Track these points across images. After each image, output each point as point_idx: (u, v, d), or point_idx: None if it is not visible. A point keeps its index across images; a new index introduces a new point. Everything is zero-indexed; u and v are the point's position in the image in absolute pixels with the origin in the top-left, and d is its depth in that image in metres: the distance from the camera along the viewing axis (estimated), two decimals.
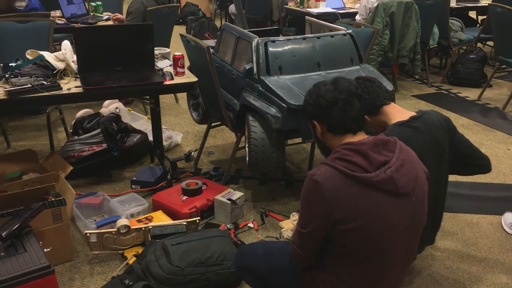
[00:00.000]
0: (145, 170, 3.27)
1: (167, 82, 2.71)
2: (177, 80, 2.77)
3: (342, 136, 1.63)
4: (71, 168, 2.82)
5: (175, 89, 2.83)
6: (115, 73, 2.76)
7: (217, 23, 7.77)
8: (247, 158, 2.82)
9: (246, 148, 2.91)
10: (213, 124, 3.41)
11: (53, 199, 2.42)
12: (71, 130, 3.56)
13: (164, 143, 3.53)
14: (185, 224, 2.54)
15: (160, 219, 2.67)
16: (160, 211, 2.76)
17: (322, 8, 5.24)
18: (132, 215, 2.76)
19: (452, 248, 2.58)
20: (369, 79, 2.06)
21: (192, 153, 3.57)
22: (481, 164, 2.24)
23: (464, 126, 4.20)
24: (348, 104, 1.61)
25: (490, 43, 6.09)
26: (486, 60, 5.49)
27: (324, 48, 2.86)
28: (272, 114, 2.59)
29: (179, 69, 2.82)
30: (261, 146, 2.68)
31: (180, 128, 4.11)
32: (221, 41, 3.17)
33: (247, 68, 2.78)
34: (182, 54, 2.82)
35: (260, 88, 2.71)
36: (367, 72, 2.88)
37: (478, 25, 6.47)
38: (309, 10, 5.23)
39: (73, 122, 3.55)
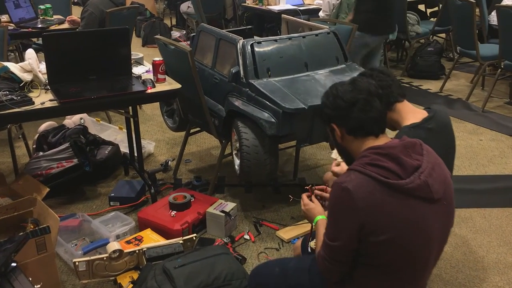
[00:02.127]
0: (123, 185, 3.04)
1: (150, 91, 2.51)
2: (159, 87, 2.58)
3: (363, 139, 1.53)
4: (47, 189, 2.56)
5: (158, 97, 2.63)
6: (91, 83, 2.53)
7: (167, 23, 7.50)
8: (239, 166, 2.67)
9: (234, 156, 2.77)
10: (191, 131, 3.23)
11: (33, 227, 2.18)
12: (34, 146, 3.26)
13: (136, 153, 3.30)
14: (181, 243, 2.36)
15: (152, 238, 2.47)
16: (149, 229, 2.56)
17: (283, 5, 5.16)
18: (118, 236, 2.54)
19: (453, 245, 2.57)
20: (384, 72, 1.95)
21: (169, 162, 3.37)
22: None
23: None
24: (368, 104, 1.52)
25: (443, 35, 6.25)
26: (443, 52, 5.62)
27: (310, 47, 2.76)
28: (265, 119, 2.46)
29: (159, 76, 2.63)
30: (254, 154, 2.55)
31: (149, 136, 3.89)
32: (198, 44, 2.99)
33: (234, 71, 2.63)
34: (162, 60, 2.63)
35: (249, 92, 2.57)
36: (353, 70, 2.81)
37: (428, 17, 6.64)
38: (270, 7, 5.13)
39: (36, 137, 3.25)
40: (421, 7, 6.82)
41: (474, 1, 4.27)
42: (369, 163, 1.41)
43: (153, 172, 3.17)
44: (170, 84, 2.63)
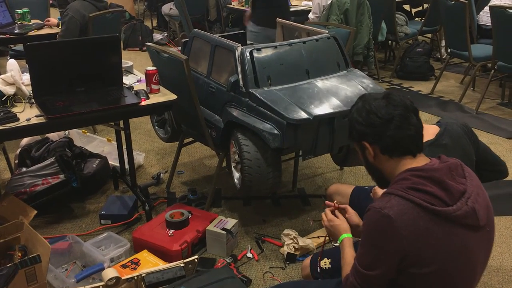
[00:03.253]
0: (114, 201, 2.87)
1: (144, 103, 2.35)
2: (154, 99, 2.41)
3: (399, 159, 1.40)
4: (35, 212, 2.36)
5: (153, 110, 2.46)
6: (79, 96, 2.35)
7: (147, 25, 7.28)
8: (239, 180, 2.53)
9: (233, 168, 2.62)
10: (184, 142, 3.07)
11: (20, 255, 2.01)
12: (16, 161, 3.05)
13: (126, 165, 3.13)
14: (182, 266, 2.21)
15: (149, 261, 2.31)
16: (145, 250, 2.40)
17: None
18: (112, 260, 2.37)
19: None
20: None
21: (162, 175, 3.20)
22: (500, 169, 2.12)
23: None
24: (405, 121, 1.38)
25: (428, 35, 6.20)
26: (431, 53, 5.57)
27: (310, 53, 2.63)
28: (268, 131, 2.32)
29: (153, 86, 2.46)
30: (256, 167, 2.40)
31: (137, 146, 3.71)
32: (191, 50, 2.83)
33: (232, 80, 2.48)
34: (156, 69, 2.46)
35: (249, 102, 2.43)
36: (355, 77, 2.70)
37: (413, 17, 6.59)
38: None
39: (18, 152, 3.05)
40: (406, 6, 6.77)
41: (467, 1, 4.20)
42: (411, 187, 1.28)
43: (145, 186, 3.00)
44: (165, 95, 2.46)
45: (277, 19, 3.22)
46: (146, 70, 2.45)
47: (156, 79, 2.46)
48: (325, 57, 2.69)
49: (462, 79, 5.24)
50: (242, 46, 2.51)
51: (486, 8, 4.93)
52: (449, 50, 4.72)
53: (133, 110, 2.34)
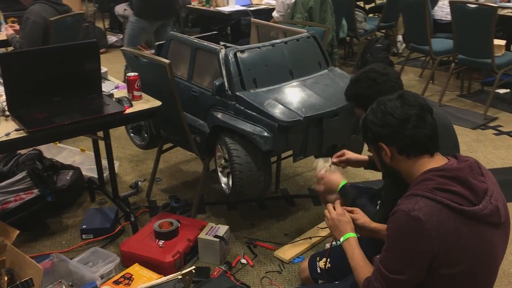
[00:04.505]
0: (94, 214, 2.74)
1: (128, 110, 2.25)
2: (138, 106, 2.31)
3: (417, 159, 1.40)
4: (17, 231, 2.21)
5: (138, 117, 2.35)
6: (57, 106, 2.22)
7: (99, 26, 7.04)
8: (227, 185, 2.48)
9: (220, 173, 2.56)
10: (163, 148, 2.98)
11: (7, 279, 1.87)
12: None
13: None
14: (180, 278, 2.13)
15: (143, 275, 2.22)
16: (136, 264, 2.30)
17: (232, 6, 4.96)
18: (102, 277, 2.26)
19: None
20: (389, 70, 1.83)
21: (140, 183, 3.09)
22: None
23: None
24: (422, 120, 1.39)
25: (383, 31, 6.33)
26: (390, 48, 5.69)
27: (293, 54, 2.61)
28: (259, 134, 2.28)
29: (135, 93, 2.36)
30: (247, 171, 2.36)
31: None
32: (168, 54, 2.74)
33: (217, 84, 2.41)
34: (137, 74, 2.36)
35: (237, 105, 2.38)
36: (337, 75, 2.70)
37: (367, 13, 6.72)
38: (219, 9, 4.92)
39: None
40: (360, 3, 6.90)
41: None
42: (437, 188, 1.28)
43: (125, 197, 2.89)
44: (148, 101, 2.37)
45: (252, 19, 3.18)
46: (127, 76, 2.35)
47: (138, 85, 2.36)
48: (306, 56, 2.68)
49: (420, 73, 5.39)
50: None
51: (440, 3, 5.10)
52: (410, 45, 4.84)
53: (118, 119, 2.23)
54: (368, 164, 2.05)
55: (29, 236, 2.65)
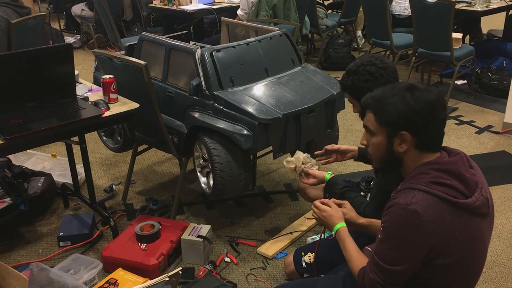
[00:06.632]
0: (70, 220, 2.67)
1: (106, 114, 2.21)
2: (115, 108, 2.28)
3: (424, 153, 1.40)
4: None
5: (116, 120, 2.30)
6: (31, 112, 2.15)
7: (55, 27, 6.83)
8: (207, 185, 2.48)
9: (198, 173, 2.56)
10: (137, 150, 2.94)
11: None
12: None
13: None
14: (167, 280, 2.12)
15: (127, 279, 2.19)
16: (120, 268, 2.27)
17: (196, 5, 4.93)
18: (85, 283, 2.21)
19: None
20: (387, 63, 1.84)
21: (114, 187, 3.04)
22: None
23: None
24: (442, 111, 1.40)
25: (342, 26, 6.45)
26: (351, 43, 5.81)
27: (267, 52, 2.63)
28: (239, 133, 2.29)
29: (112, 95, 2.32)
30: (228, 170, 2.37)
31: (78, 159, 3.46)
32: (140, 55, 2.70)
33: (194, 84, 2.41)
34: (113, 77, 2.33)
35: (215, 105, 2.38)
36: (310, 72, 2.75)
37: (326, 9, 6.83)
38: (182, 7, 4.88)
39: None
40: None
41: None
42: (433, 181, 1.33)
43: (102, 201, 2.83)
44: (125, 104, 2.33)
45: (223, 18, 3.18)
46: (103, 78, 2.31)
47: (115, 87, 2.32)
48: (280, 54, 2.71)
49: None
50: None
51: None
52: (371, 40, 4.96)
53: (96, 123, 2.19)
54: (359, 156, 2.09)
55: (3, 246, 2.56)
